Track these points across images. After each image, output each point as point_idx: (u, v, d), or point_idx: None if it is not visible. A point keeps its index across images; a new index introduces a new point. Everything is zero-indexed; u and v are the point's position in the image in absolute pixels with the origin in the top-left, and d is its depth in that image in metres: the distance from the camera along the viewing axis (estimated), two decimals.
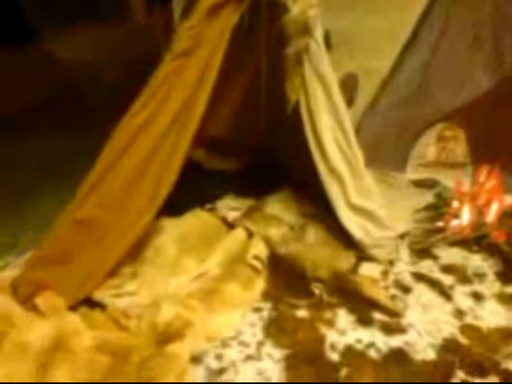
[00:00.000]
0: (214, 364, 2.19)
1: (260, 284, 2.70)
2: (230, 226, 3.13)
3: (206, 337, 2.33)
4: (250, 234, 3.01)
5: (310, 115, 2.67)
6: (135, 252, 2.76)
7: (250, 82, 3.36)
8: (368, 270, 2.79)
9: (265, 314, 2.51)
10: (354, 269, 2.79)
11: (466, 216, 3.07)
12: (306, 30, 2.48)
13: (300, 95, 2.66)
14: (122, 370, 2.09)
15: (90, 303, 2.47)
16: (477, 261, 2.92)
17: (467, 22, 3.30)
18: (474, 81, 3.39)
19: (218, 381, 2.12)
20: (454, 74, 3.38)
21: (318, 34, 2.55)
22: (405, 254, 2.94)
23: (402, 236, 3.05)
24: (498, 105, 3.39)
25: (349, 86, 3.49)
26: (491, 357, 2.25)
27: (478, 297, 2.64)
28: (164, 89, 2.54)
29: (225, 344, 2.31)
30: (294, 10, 2.44)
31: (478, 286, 2.71)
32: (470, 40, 3.33)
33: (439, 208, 3.29)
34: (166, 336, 2.25)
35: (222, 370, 2.16)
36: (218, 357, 2.23)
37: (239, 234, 3.01)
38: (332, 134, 2.68)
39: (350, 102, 3.50)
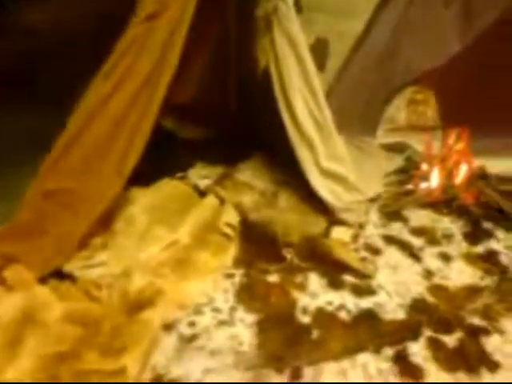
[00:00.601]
0: (187, 331, 2.20)
1: (232, 250, 2.70)
2: (202, 193, 3.11)
3: (178, 304, 2.33)
4: (222, 202, 3.00)
5: (280, 78, 2.65)
6: (106, 223, 2.74)
7: (219, 46, 3.30)
8: (339, 233, 2.81)
9: (237, 279, 2.52)
10: (325, 233, 2.81)
11: (435, 179, 3.11)
12: None
13: (270, 58, 2.63)
14: (94, 340, 2.09)
15: (60, 275, 2.43)
16: (446, 222, 2.97)
17: None
18: (444, 43, 3.38)
19: (191, 346, 2.14)
20: (424, 38, 3.36)
21: None
22: (375, 217, 2.97)
23: (372, 199, 3.08)
24: (467, 68, 3.39)
25: (320, 50, 3.43)
26: (457, 313, 2.31)
27: (446, 257, 2.69)
28: (132, 52, 2.49)
29: (197, 311, 2.31)
30: None
31: (446, 247, 2.77)
32: (442, 2, 3.31)
33: (409, 171, 3.32)
34: (138, 304, 2.25)
35: (194, 337, 2.17)
36: (191, 324, 2.24)
37: (211, 201, 2.99)
38: (302, 98, 2.67)
39: (321, 66, 3.45)
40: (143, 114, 2.54)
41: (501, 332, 2.22)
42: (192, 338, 2.17)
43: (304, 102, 2.67)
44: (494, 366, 2.05)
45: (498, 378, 2.00)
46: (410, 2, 3.26)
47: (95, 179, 2.56)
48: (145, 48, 2.46)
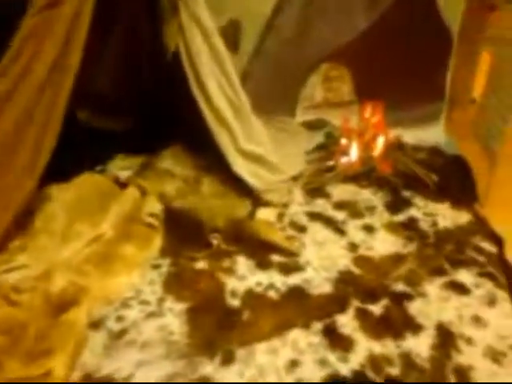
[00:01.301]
0: (116, 326, 2.14)
1: (157, 241, 2.66)
2: (123, 185, 3.03)
3: (104, 300, 2.27)
4: (144, 192, 2.94)
5: (192, 62, 2.60)
6: (24, 224, 2.62)
7: (130, 34, 3.21)
8: (264, 214, 2.82)
9: (164, 269, 2.48)
10: (251, 215, 2.82)
11: (354, 152, 3.17)
12: None
13: (179, 42, 2.57)
14: (17, 347, 2.01)
15: None
16: (367, 194, 3.05)
17: None
18: (352, 19, 3.45)
19: (120, 342, 2.09)
20: (332, 15, 3.41)
21: None
22: (299, 195, 3.01)
23: (295, 178, 3.11)
24: (380, 42, 3.47)
25: (232, 32, 3.42)
26: (382, 282, 2.38)
27: (369, 229, 2.76)
28: (32, 44, 2.35)
29: (125, 305, 2.26)
30: None
31: (368, 219, 2.84)
32: None
33: (329, 147, 3.38)
34: (61, 305, 2.17)
35: (123, 331, 2.12)
36: (119, 318, 2.18)
37: (132, 192, 2.92)
38: (216, 81, 2.64)
39: (234, 48, 3.44)
40: (51, 106, 2.41)
41: (423, 295, 2.30)
42: (121, 333, 2.11)
43: (218, 85, 2.64)
44: (417, 329, 2.12)
45: (420, 339, 2.08)
46: None
47: (4, 179, 2.43)
48: (46, 38, 2.34)
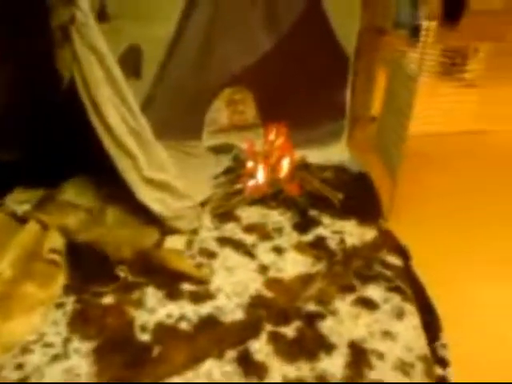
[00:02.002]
0: (14, 375, 2.00)
1: (60, 278, 2.51)
2: (22, 220, 2.86)
3: (1, 348, 2.12)
4: (45, 226, 2.78)
5: (88, 90, 2.50)
6: None
7: (25, 60, 3.05)
8: (172, 242, 2.76)
9: (69, 308, 2.35)
10: (159, 244, 2.74)
11: (260, 175, 3.19)
12: (69, 0, 2.30)
13: (74, 71, 2.48)
14: None
15: None
16: (275, 216, 3.05)
17: None
18: (254, 41, 3.49)
19: None
20: (235, 37, 3.43)
21: (84, 3, 2.37)
22: (207, 220, 2.97)
23: (203, 203, 3.07)
24: (281, 64, 3.53)
25: (133, 58, 3.35)
26: (293, 303, 2.38)
27: (278, 250, 2.75)
28: None
29: (26, 350, 2.11)
30: None
31: (278, 240, 2.84)
32: (246, 3, 3.40)
33: (236, 170, 3.37)
34: None
35: (23, 380, 1.98)
36: (19, 366, 2.03)
37: (32, 227, 2.75)
38: (114, 108, 2.55)
39: (136, 73, 3.38)
40: None
41: (334, 314, 2.32)
42: (22, 381, 1.97)
43: (117, 113, 2.56)
44: (330, 348, 2.14)
45: (334, 359, 2.09)
46: (215, 4, 3.31)
47: None
48: None
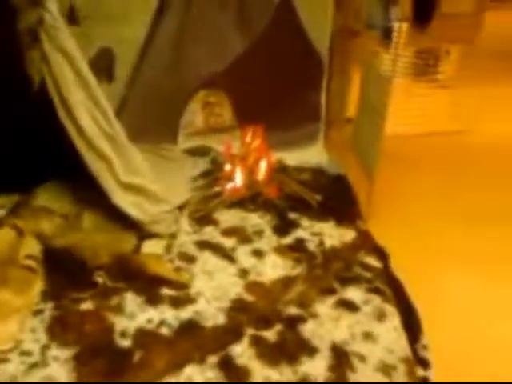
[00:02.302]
0: None
1: (37, 284, 2.45)
2: None
3: None
4: (21, 232, 2.72)
5: (60, 94, 2.46)
6: None
7: None
8: (150, 247, 2.72)
9: (46, 315, 2.29)
10: (137, 249, 2.71)
11: (238, 177, 3.17)
12: (35, 2, 2.25)
13: (44, 73, 2.43)
14: None
15: None
16: (254, 219, 3.02)
17: None
18: (227, 45, 3.47)
19: None
20: (207, 40, 3.41)
21: (52, 5, 2.32)
22: (186, 224, 2.93)
23: (181, 207, 3.04)
24: (255, 67, 3.52)
25: (105, 60, 3.31)
26: (274, 307, 2.36)
27: (258, 253, 2.73)
28: None
29: (2, 359, 2.06)
30: None
31: (257, 244, 2.81)
32: (217, 6, 3.38)
33: (214, 173, 3.35)
34: None
35: None
36: None
37: (6, 234, 2.68)
38: (87, 111, 2.51)
39: (108, 76, 3.33)
40: None
41: (315, 317, 2.31)
42: None
43: (89, 116, 2.52)
44: (312, 352, 2.13)
45: (316, 362, 2.09)
46: (187, 7, 3.28)
47: None
48: None
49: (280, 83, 3.60)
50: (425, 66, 5.07)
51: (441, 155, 4.75)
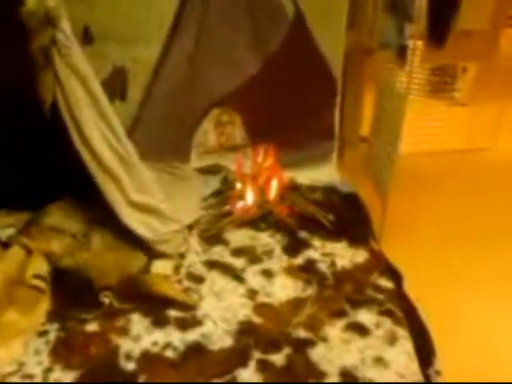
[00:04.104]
0: None
1: (44, 305, 2.44)
2: (5, 245, 2.79)
3: None
4: (29, 252, 2.71)
5: (71, 113, 2.45)
6: None
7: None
8: (159, 267, 2.70)
9: (51, 336, 2.27)
10: (146, 269, 2.68)
11: (249, 196, 3.14)
12: (48, 21, 2.26)
13: (57, 93, 2.43)
14: None
15: None
16: (264, 239, 2.99)
17: (226, 10, 3.34)
18: (240, 65, 3.46)
19: None
20: (221, 59, 3.41)
21: (65, 24, 2.33)
22: (195, 244, 2.90)
23: (191, 226, 3.01)
24: (268, 86, 3.50)
25: (118, 80, 3.32)
26: (283, 330, 2.31)
27: (268, 274, 2.69)
28: None
29: (4, 382, 2.04)
30: (30, 1, 2.20)
31: (267, 263, 2.77)
32: (231, 26, 3.38)
33: (225, 192, 3.33)
34: None
35: None
36: None
37: (16, 253, 2.67)
38: (98, 131, 2.50)
39: (121, 95, 3.34)
40: None
41: (324, 340, 2.26)
42: None
43: (101, 136, 2.51)
44: (320, 376, 2.07)
45: None
46: (200, 28, 3.28)
47: None
48: None
49: (293, 102, 3.57)
50: (441, 84, 5.02)
51: (458, 174, 4.67)
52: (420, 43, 3.68)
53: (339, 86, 3.62)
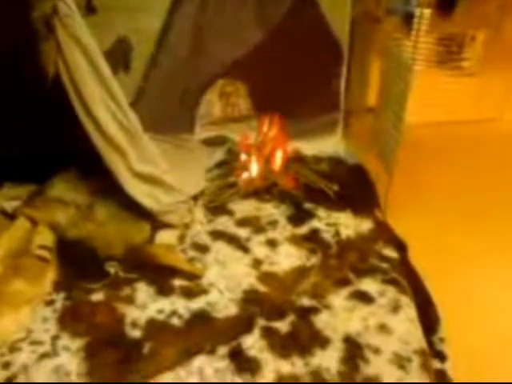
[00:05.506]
0: (1, 374, 1.95)
1: (50, 274, 2.47)
2: (12, 217, 2.80)
3: None
4: (35, 223, 2.73)
5: (75, 85, 2.43)
6: None
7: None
8: (164, 237, 2.71)
9: (58, 305, 2.30)
10: (150, 239, 2.70)
11: (254, 167, 3.13)
12: None
13: (59, 64, 2.41)
14: None
15: None
16: (269, 209, 2.99)
17: None
18: (246, 34, 3.42)
19: None
20: (224, 30, 3.36)
21: None
22: (200, 214, 2.91)
23: (196, 197, 3.02)
24: (273, 56, 3.46)
25: (122, 50, 3.29)
26: (287, 298, 2.33)
27: (272, 243, 2.70)
28: None
29: (13, 348, 2.07)
30: None
31: (271, 233, 2.78)
32: None
33: (230, 163, 3.32)
34: None
35: (10, 379, 1.93)
36: (6, 365, 1.99)
37: (21, 224, 2.70)
38: (103, 103, 2.49)
39: (125, 67, 3.32)
40: None
41: (329, 308, 2.28)
42: (7, 382, 1.93)
43: (105, 107, 2.49)
44: (324, 343, 2.09)
45: (328, 353, 2.05)
46: (203, 3, 3.24)
47: None
48: None
49: (298, 72, 3.53)
50: (448, 53, 4.94)
51: (465, 145, 4.62)
52: (427, 11, 3.63)
53: (345, 55, 3.57)
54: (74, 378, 1.96)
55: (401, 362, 2.02)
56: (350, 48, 3.60)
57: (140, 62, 3.41)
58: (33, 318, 2.23)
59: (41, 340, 2.12)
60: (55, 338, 2.13)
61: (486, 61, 4.89)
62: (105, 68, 2.49)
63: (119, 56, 3.28)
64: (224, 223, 2.86)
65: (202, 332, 2.15)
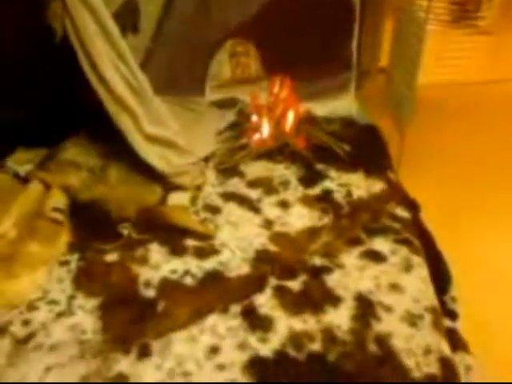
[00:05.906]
0: (21, 331, 2.00)
1: (64, 236, 2.49)
2: (24, 180, 2.83)
3: (7, 305, 2.12)
4: (48, 186, 2.74)
5: (83, 46, 2.41)
6: None
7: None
8: (176, 199, 2.72)
9: (73, 265, 2.33)
10: (163, 201, 2.71)
11: (265, 128, 3.11)
12: None
13: (66, 25, 2.39)
14: None
15: None
16: (280, 170, 2.98)
17: None
18: None
19: (27, 347, 1.95)
20: None
21: None
22: (212, 176, 2.91)
23: (207, 159, 3.02)
24: (283, 15, 3.40)
25: (130, 11, 3.25)
26: (299, 257, 2.34)
27: (284, 204, 2.70)
28: None
29: (31, 307, 2.11)
30: None
31: (283, 194, 2.78)
32: None
33: (241, 125, 3.30)
34: None
35: (30, 336, 1.98)
36: (25, 322, 2.04)
37: (34, 187, 2.71)
38: (111, 63, 2.46)
39: (133, 29, 3.28)
40: None
41: (340, 267, 2.28)
42: (28, 338, 1.97)
43: (114, 69, 2.47)
44: (336, 301, 2.11)
45: (340, 311, 2.07)
46: None
47: None
48: None
49: (309, 31, 3.46)
50: (464, 12, 4.83)
51: (480, 105, 4.55)
52: None
53: (357, 13, 3.50)
54: (89, 336, 2.00)
55: (412, 319, 2.03)
56: (361, 6, 3.53)
57: (148, 23, 3.36)
58: (49, 278, 2.27)
59: (57, 300, 2.16)
60: (71, 297, 2.17)
61: (504, 19, 4.77)
62: (113, 29, 2.46)
63: (127, 17, 3.23)
64: (235, 185, 2.86)
65: (214, 291, 2.17)
